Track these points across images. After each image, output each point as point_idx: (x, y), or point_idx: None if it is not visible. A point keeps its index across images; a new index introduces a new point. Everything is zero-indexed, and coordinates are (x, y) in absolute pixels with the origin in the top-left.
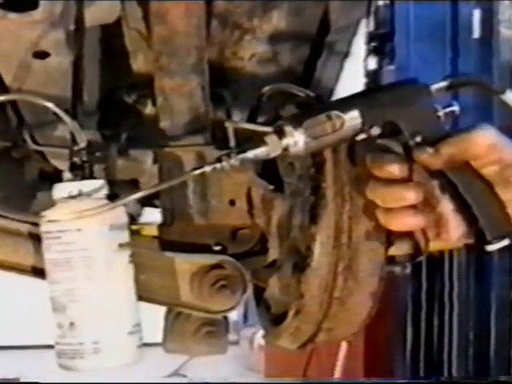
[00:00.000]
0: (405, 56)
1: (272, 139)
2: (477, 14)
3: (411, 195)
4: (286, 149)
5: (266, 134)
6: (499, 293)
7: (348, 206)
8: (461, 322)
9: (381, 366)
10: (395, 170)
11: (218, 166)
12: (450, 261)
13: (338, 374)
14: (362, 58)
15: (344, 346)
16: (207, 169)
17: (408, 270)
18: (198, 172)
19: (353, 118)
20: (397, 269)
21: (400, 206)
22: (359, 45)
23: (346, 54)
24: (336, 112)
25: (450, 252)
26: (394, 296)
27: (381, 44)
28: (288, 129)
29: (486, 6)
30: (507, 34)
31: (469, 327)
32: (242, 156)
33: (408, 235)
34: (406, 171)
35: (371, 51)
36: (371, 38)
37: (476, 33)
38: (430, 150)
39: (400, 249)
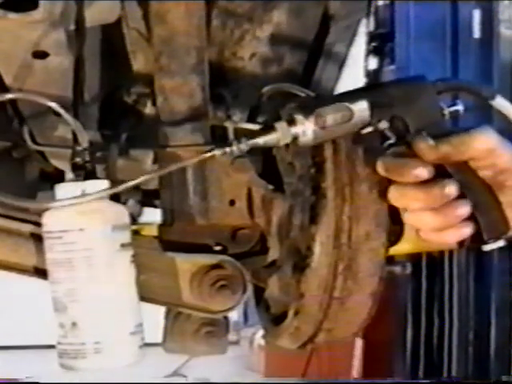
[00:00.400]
0: (405, 56)
1: (282, 126)
2: (477, 14)
3: (453, 189)
4: (295, 138)
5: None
6: (499, 293)
7: (348, 206)
8: (461, 322)
9: (381, 366)
10: (423, 172)
11: (227, 150)
12: (450, 261)
13: (355, 372)
14: (362, 58)
15: (359, 344)
16: (217, 152)
17: (408, 270)
18: (208, 155)
19: (362, 110)
20: (397, 269)
21: (443, 203)
22: (359, 45)
23: (346, 55)
24: (346, 104)
25: (450, 252)
26: (394, 296)
27: (381, 44)
28: (299, 117)
29: (486, 6)
30: (507, 33)
31: (469, 327)
32: (252, 141)
33: None
34: (433, 171)
35: (371, 51)
36: (371, 37)
37: (476, 33)
38: (431, 141)
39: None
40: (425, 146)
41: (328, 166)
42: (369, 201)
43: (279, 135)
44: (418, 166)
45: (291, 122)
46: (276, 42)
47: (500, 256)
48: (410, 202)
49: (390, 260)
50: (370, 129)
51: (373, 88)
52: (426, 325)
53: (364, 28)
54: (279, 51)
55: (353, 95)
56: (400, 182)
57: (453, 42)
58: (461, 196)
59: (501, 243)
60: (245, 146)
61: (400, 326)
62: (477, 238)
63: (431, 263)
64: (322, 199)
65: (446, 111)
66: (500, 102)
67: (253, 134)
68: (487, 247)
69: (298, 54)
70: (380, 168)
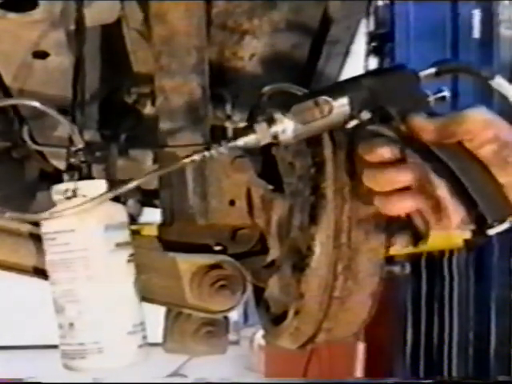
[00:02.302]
0: (405, 56)
1: (261, 127)
2: (477, 14)
3: (404, 176)
4: (275, 136)
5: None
6: (499, 293)
7: (348, 205)
8: (461, 322)
9: (381, 366)
10: (386, 152)
11: (206, 153)
12: (450, 261)
13: (358, 372)
14: (363, 57)
15: (361, 345)
16: (196, 157)
17: (408, 270)
18: (187, 161)
19: (341, 103)
20: (397, 269)
21: (394, 188)
22: (359, 45)
23: (346, 54)
24: (324, 97)
25: (450, 252)
26: (394, 296)
27: (381, 44)
28: (277, 116)
29: (486, 6)
30: (507, 34)
31: (469, 327)
32: (231, 144)
33: (408, 222)
34: (398, 153)
35: (371, 51)
36: (371, 37)
37: (476, 33)
38: (425, 115)
39: (401, 239)
40: (421, 121)
41: (328, 166)
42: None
43: (258, 136)
44: (382, 145)
45: (270, 121)
46: (276, 42)
47: (500, 255)
48: (371, 182)
49: (390, 260)
50: (354, 122)
51: (352, 80)
52: (425, 325)
53: (364, 28)
54: (279, 51)
55: (331, 88)
56: (370, 163)
57: (453, 41)
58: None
59: (506, 225)
60: (224, 149)
61: (400, 326)
62: (480, 224)
63: (431, 263)
64: (321, 199)
65: (431, 98)
66: (499, 82)
67: (233, 139)
68: (492, 231)
69: (298, 53)
70: (359, 149)
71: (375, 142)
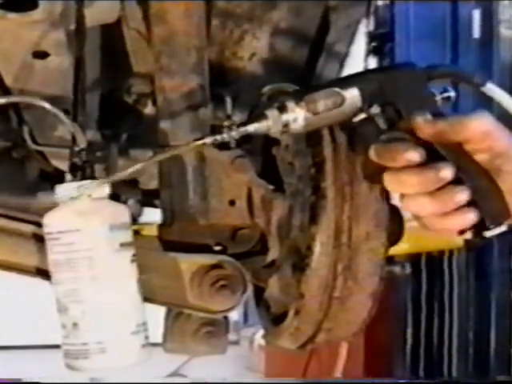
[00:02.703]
0: (405, 56)
1: (273, 114)
2: (477, 14)
3: (448, 172)
4: (286, 125)
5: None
6: (499, 293)
7: (348, 206)
8: (461, 322)
9: (381, 366)
10: (414, 155)
11: (218, 137)
12: (450, 261)
13: (338, 373)
14: (362, 57)
15: (344, 345)
16: (208, 140)
17: (408, 270)
18: (198, 143)
19: (353, 95)
20: (397, 269)
21: (438, 187)
22: (359, 45)
23: (346, 54)
24: (336, 89)
25: (450, 252)
26: (394, 296)
27: (381, 44)
28: (289, 104)
29: (486, 6)
30: (507, 34)
31: (469, 327)
32: (242, 129)
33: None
34: (424, 155)
35: (371, 51)
36: (371, 38)
37: (476, 33)
38: (429, 116)
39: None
40: (422, 121)
41: (328, 166)
42: (369, 200)
43: (270, 123)
44: (409, 149)
45: (282, 109)
46: (276, 42)
47: (500, 255)
48: (404, 187)
49: (390, 260)
50: (362, 115)
51: (364, 73)
52: (425, 325)
53: (364, 28)
54: (279, 51)
55: (343, 81)
56: (394, 168)
57: (453, 41)
58: (459, 182)
59: (503, 228)
60: (235, 133)
61: (400, 325)
62: (478, 225)
63: (431, 263)
64: (321, 199)
65: (438, 97)
66: (491, 88)
67: (244, 124)
68: (489, 233)
69: (298, 53)
70: (372, 154)
71: (398, 145)
